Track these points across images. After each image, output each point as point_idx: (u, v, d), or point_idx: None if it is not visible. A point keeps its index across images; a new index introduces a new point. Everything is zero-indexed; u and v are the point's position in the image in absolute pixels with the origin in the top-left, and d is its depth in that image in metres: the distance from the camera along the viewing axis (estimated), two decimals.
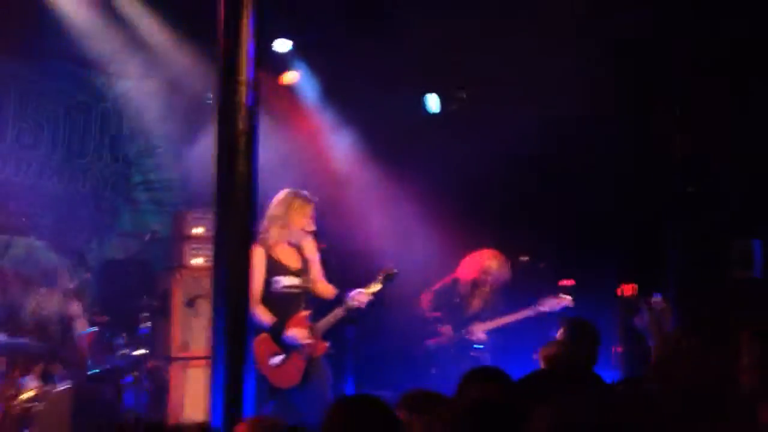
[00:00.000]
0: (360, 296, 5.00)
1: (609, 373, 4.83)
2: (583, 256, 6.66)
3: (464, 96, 7.29)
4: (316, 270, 5.19)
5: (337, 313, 5.04)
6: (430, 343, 6.11)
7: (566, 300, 6.03)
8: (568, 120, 6.58)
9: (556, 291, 6.09)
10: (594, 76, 6.24)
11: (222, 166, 2.97)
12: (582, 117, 6.55)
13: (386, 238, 7.06)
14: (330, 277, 5.23)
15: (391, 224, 7.28)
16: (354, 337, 4.93)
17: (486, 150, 6.89)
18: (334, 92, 7.45)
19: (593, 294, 6.16)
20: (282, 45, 7.12)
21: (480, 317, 6.15)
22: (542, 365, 3.68)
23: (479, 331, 6.09)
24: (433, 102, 7.46)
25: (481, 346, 6.08)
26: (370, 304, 5.07)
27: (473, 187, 7.20)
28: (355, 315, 5.09)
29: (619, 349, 6.13)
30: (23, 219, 6.41)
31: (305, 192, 5.18)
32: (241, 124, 2.95)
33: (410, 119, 7.46)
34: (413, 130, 7.39)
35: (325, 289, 5.18)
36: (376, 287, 5.06)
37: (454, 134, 7.26)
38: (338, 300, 5.09)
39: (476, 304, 6.21)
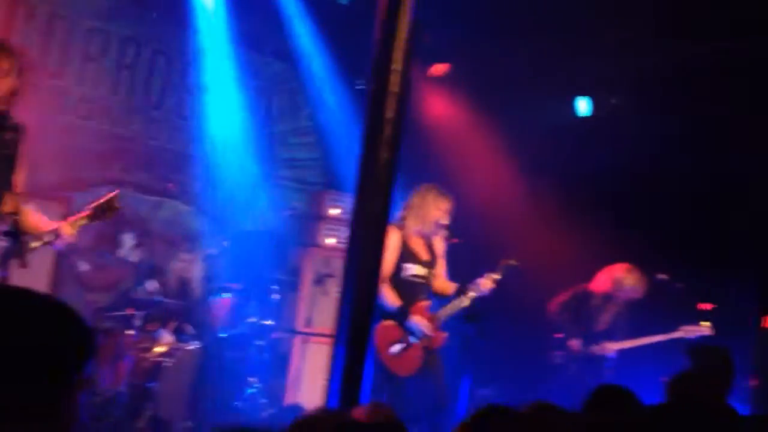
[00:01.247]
0: (482, 283, 4.99)
1: (739, 407, 4.57)
2: (721, 278, 6.31)
3: (615, 102, 7.08)
4: (441, 266, 5.24)
5: (459, 302, 5.06)
6: (557, 354, 5.99)
7: (706, 329, 5.76)
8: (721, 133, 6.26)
9: (693, 315, 5.82)
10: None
11: (366, 152, 3.01)
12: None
13: (520, 239, 6.96)
14: (460, 271, 5.24)
15: (527, 226, 7.17)
16: (474, 334, 4.90)
17: (633, 159, 6.66)
18: (482, 87, 7.41)
19: (728, 319, 5.85)
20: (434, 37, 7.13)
21: (609, 333, 5.98)
22: (671, 393, 3.51)
23: (611, 349, 5.92)
24: (583, 106, 7.28)
25: (609, 363, 5.91)
26: (492, 299, 5.04)
27: (615, 196, 6.97)
28: (477, 311, 5.06)
29: (754, 383, 5.80)
30: (173, 184, 6.76)
31: (440, 186, 5.25)
32: (389, 112, 2.97)
33: (558, 121, 7.31)
34: (559, 133, 7.25)
35: (445, 286, 5.22)
36: (496, 276, 5.04)
37: (602, 140, 7.06)
38: (459, 292, 5.10)
39: (606, 318, 6.04)
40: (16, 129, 3.32)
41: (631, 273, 5.97)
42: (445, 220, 5.11)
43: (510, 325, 6.42)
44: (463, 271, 5.22)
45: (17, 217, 3.14)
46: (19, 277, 3.22)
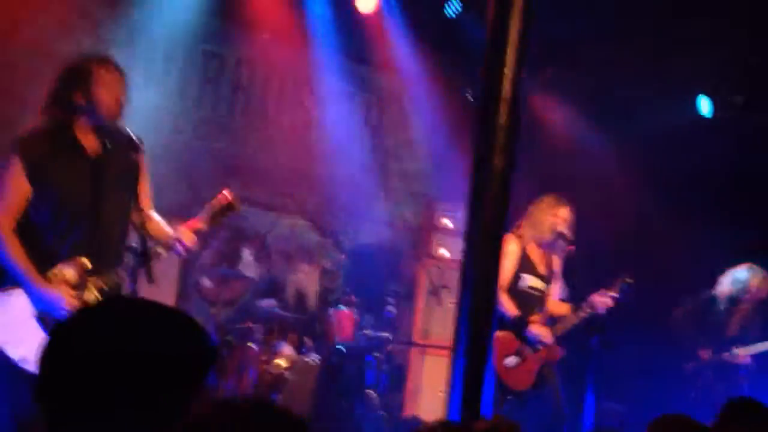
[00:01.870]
0: (597, 300, 4.83)
1: None
2: None
3: (741, 101, 6.74)
4: (556, 285, 5.13)
5: (573, 317, 4.92)
6: (688, 366, 5.73)
7: None
8: None
9: None
10: None
11: (479, 160, 2.96)
12: None
13: (637, 244, 6.72)
14: (573, 278, 5.11)
15: (644, 230, 6.92)
16: (598, 347, 4.75)
17: (753, 159, 6.33)
18: (599, 89, 7.21)
19: None
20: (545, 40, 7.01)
21: (740, 338, 5.67)
22: None
23: (744, 355, 5.62)
24: (705, 105, 6.98)
25: (744, 371, 5.60)
26: (609, 312, 4.88)
27: (736, 198, 6.64)
28: (600, 324, 4.91)
29: None
30: (289, 199, 6.90)
31: (561, 195, 5.14)
32: (502, 119, 2.92)
33: (678, 121, 7.03)
34: (679, 133, 6.98)
35: (559, 308, 5.11)
36: (612, 293, 4.88)
37: (723, 141, 6.74)
38: (574, 311, 4.97)
39: (734, 323, 5.74)
40: (138, 148, 3.44)
41: (754, 273, 5.65)
42: (563, 228, 4.97)
43: (635, 335, 6.19)
44: (580, 281, 5.07)
45: (144, 233, 3.25)
46: (147, 293, 3.34)
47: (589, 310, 4.86)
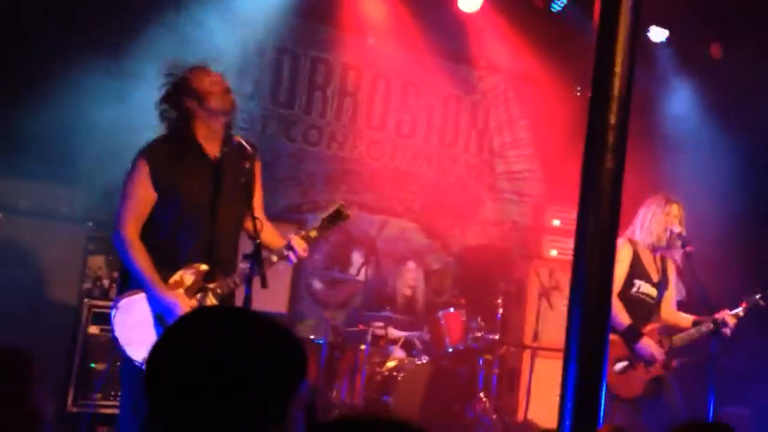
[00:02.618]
0: (722, 319, 4.58)
1: None
2: None
3: None
4: (672, 293, 4.88)
5: (695, 333, 4.70)
6: None
7: None
8: None
9: None
10: None
11: (589, 161, 2.89)
12: None
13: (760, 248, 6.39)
14: (693, 283, 4.86)
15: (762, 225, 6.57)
16: (717, 351, 4.52)
17: None
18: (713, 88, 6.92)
19: None
20: (657, 34, 6.80)
21: None
22: None
23: None
24: None
25: None
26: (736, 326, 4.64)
27: None
28: (720, 330, 4.65)
29: None
30: (397, 202, 6.95)
31: (672, 194, 4.92)
32: (613, 118, 2.83)
33: None
34: None
35: (676, 318, 4.86)
36: (739, 313, 4.63)
37: None
38: (695, 325, 4.75)
39: None
40: (253, 156, 3.53)
41: None
42: (678, 228, 4.75)
43: (756, 336, 5.91)
44: (695, 282, 4.83)
45: (258, 240, 3.33)
46: (262, 297, 3.44)
47: (712, 327, 4.60)
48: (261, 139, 6.49)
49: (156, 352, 1.43)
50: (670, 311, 4.91)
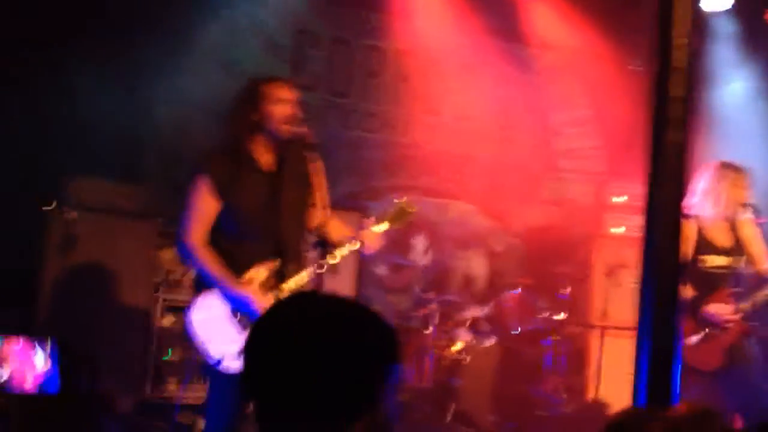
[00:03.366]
0: None
1: None
2: None
3: None
4: (756, 249, 4.70)
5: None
6: None
7: None
8: None
9: None
10: None
11: (653, 135, 2.87)
12: None
13: None
14: None
15: None
16: None
17: None
18: None
19: None
20: (712, 4, 6.62)
21: None
22: None
23: None
24: None
25: None
26: None
27: None
28: None
29: None
30: (457, 185, 6.95)
31: (736, 162, 4.75)
32: (674, 90, 2.80)
33: None
34: None
35: (765, 269, 4.69)
36: None
37: None
38: None
39: None
40: (313, 155, 3.57)
41: None
42: (748, 199, 4.62)
43: None
44: None
45: (324, 229, 3.38)
46: (330, 282, 3.50)
47: None
48: (320, 130, 6.58)
49: (250, 351, 1.46)
50: (761, 264, 4.71)
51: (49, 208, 4.90)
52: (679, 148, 2.83)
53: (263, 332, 1.47)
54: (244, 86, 3.67)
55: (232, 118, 3.63)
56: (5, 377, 2.71)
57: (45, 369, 2.55)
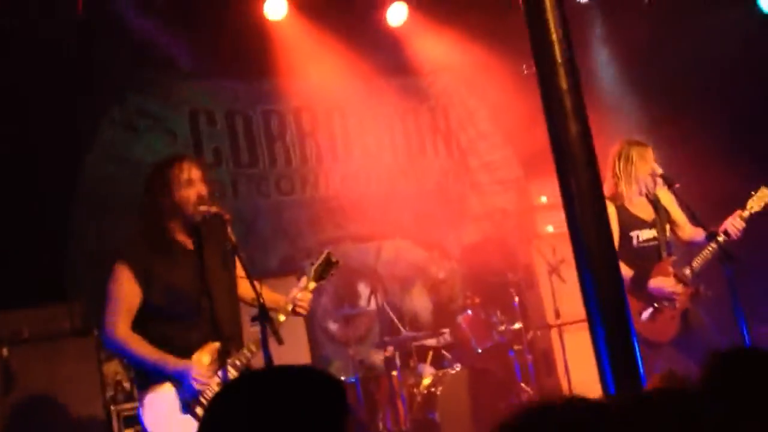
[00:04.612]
0: (731, 224, 4.58)
1: None
2: None
3: None
4: (677, 216, 4.85)
5: (708, 251, 4.65)
6: None
7: None
8: None
9: None
10: None
11: (554, 130, 2.93)
12: None
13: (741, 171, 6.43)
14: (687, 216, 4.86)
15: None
16: (733, 275, 4.50)
17: None
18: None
19: None
20: None
21: None
22: None
23: None
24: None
25: None
26: (744, 234, 4.63)
27: None
28: (730, 252, 4.62)
29: None
30: (385, 224, 6.97)
31: (638, 138, 4.93)
32: (563, 83, 2.88)
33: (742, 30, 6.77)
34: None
35: (692, 232, 4.82)
36: (745, 212, 4.62)
37: None
38: (709, 238, 4.69)
39: None
40: (225, 222, 3.52)
41: None
42: (658, 170, 4.75)
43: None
44: (689, 215, 4.83)
45: (261, 300, 3.34)
46: (282, 353, 3.43)
47: (724, 237, 4.58)
48: (236, 203, 6.54)
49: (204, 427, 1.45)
50: (684, 229, 4.85)
51: None
52: (582, 137, 2.90)
53: (214, 419, 1.45)
54: (151, 174, 3.64)
55: (145, 207, 3.60)
56: None
57: None
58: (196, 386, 3.39)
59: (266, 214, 6.76)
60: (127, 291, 3.48)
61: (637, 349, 2.87)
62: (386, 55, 7.17)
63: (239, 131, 6.86)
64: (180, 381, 3.40)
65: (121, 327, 3.46)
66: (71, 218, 6.02)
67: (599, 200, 2.96)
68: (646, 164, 4.74)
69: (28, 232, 5.57)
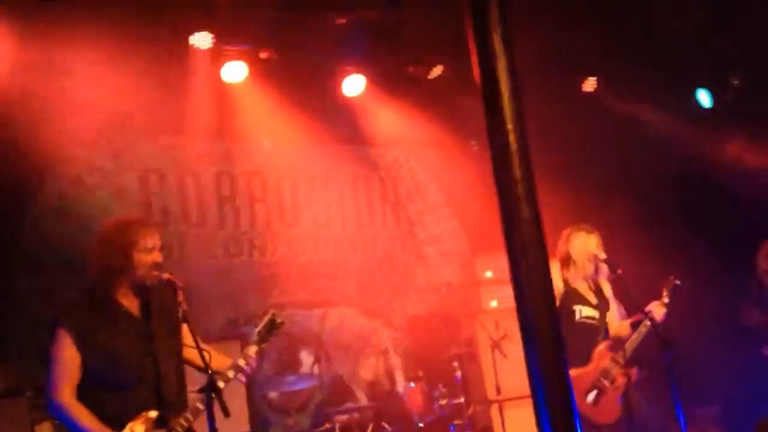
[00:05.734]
0: (653, 311, 4.77)
1: None
2: None
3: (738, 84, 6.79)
4: (613, 310, 5.05)
5: (637, 335, 4.84)
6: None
7: None
8: None
9: None
10: None
11: (506, 214, 3.00)
12: None
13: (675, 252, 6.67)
14: (629, 299, 5.03)
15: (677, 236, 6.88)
16: (671, 361, 4.65)
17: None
18: None
19: None
20: None
21: None
22: None
23: None
24: (704, 97, 7.04)
25: None
26: (667, 318, 4.83)
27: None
28: (666, 338, 4.79)
29: None
30: (330, 292, 6.97)
31: (585, 225, 5.10)
32: (518, 171, 2.96)
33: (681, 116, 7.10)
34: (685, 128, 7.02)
35: (622, 328, 5.03)
36: (665, 299, 4.83)
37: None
38: (634, 326, 4.91)
39: None
40: (176, 289, 3.48)
41: None
42: (602, 254, 4.93)
43: (705, 336, 6.11)
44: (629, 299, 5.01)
45: (210, 371, 3.28)
46: (220, 421, 3.36)
47: (648, 323, 4.77)
48: (181, 263, 6.47)
49: None
50: (617, 325, 5.04)
51: None
52: (533, 221, 2.97)
53: None
54: (109, 231, 3.55)
55: (96, 262, 3.50)
56: None
57: None
58: None
59: (212, 275, 6.69)
60: (67, 356, 3.40)
61: (579, 429, 2.91)
62: (340, 123, 7.28)
63: (189, 192, 6.83)
64: None
65: (65, 392, 3.38)
66: (10, 275, 5.87)
67: (548, 283, 3.03)
68: (588, 250, 4.92)
69: None
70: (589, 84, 7.11)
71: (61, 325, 3.43)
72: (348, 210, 7.49)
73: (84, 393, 3.41)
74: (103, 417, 3.36)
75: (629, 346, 4.85)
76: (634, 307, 4.89)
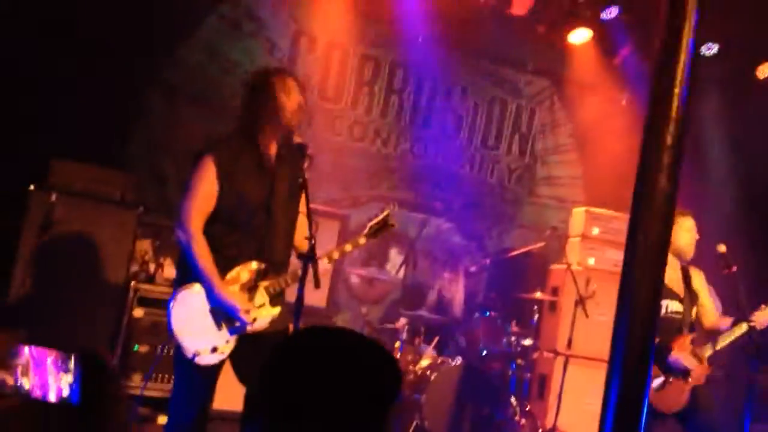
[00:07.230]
0: (760, 315, 4.56)
1: None
2: None
3: None
4: (706, 301, 4.85)
5: (730, 334, 4.65)
6: None
7: None
8: None
9: None
10: None
11: (643, 180, 2.91)
12: None
13: None
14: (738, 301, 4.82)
15: None
16: (755, 369, 4.49)
17: None
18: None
19: None
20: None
21: None
22: None
23: None
24: None
25: None
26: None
27: None
28: (758, 345, 4.61)
29: None
30: (437, 202, 7.00)
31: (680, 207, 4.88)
32: (669, 139, 2.85)
33: None
34: None
35: (716, 321, 4.84)
36: None
37: None
38: (734, 325, 4.70)
39: None
40: (305, 155, 3.54)
41: None
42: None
43: None
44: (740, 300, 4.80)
45: (312, 241, 3.36)
46: (306, 292, 3.48)
47: (745, 325, 4.57)
48: (305, 132, 6.59)
49: (265, 373, 1.53)
50: (709, 317, 4.86)
51: (29, 189, 4.86)
52: (668, 196, 2.88)
53: (277, 365, 1.54)
54: (255, 76, 3.62)
55: (246, 105, 3.57)
56: (27, 387, 2.67)
57: (69, 381, 2.52)
58: (246, 319, 3.46)
59: (328, 152, 6.82)
60: (207, 188, 3.46)
61: (644, 409, 2.88)
62: (496, 40, 7.15)
63: (333, 65, 6.90)
64: (217, 302, 3.46)
65: (196, 223, 3.45)
66: (147, 96, 6.14)
67: (662, 261, 2.94)
68: (685, 234, 4.73)
69: (103, 99, 5.69)
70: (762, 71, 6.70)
71: (211, 154, 3.46)
72: (477, 128, 7.42)
73: (207, 227, 3.48)
74: (215, 254, 3.45)
75: (720, 344, 4.68)
76: (737, 307, 4.70)
